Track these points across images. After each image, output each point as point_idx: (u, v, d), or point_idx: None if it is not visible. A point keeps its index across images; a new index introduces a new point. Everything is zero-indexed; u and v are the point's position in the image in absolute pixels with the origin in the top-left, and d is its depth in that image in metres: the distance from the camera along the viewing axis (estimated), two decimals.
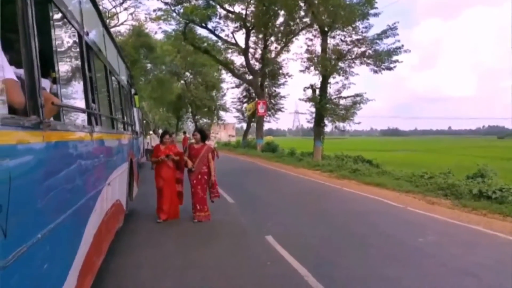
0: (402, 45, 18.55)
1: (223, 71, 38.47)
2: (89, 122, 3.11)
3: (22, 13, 1.77)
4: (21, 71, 1.90)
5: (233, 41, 27.54)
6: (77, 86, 3.08)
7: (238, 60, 32.14)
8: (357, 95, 19.71)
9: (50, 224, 1.97)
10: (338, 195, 10.32)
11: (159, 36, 33.79)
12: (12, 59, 1.91)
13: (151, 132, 20.51)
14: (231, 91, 67.27)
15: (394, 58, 18.73)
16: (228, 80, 47.08)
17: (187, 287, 3.89)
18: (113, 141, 4.56)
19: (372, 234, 6.11)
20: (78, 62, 3.05)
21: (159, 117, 59.42)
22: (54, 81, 2.31)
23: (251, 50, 28.44)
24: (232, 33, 27.07)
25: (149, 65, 36.09)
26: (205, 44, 28.02)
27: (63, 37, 2.72)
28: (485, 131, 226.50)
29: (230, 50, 29.55)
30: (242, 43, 27.01)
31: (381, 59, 18.79)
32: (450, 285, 4.03)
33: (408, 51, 19.06)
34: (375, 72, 19.59)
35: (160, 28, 36.76)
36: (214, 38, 27.63)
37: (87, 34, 3.29)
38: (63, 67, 2.70)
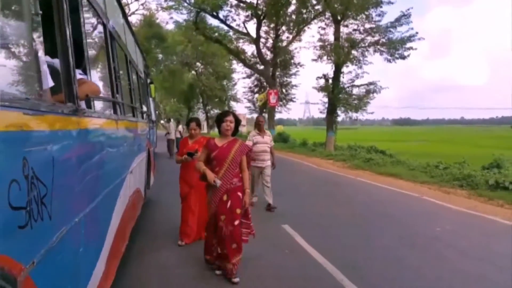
0: (416, 33, 18.30)
1: (234, 61, 38.32)
2: (115, 111, 3.16)
3: (57, 3, 1.80)
4: (56, 61, 1.94)
5: (244, 30, 27.38)
6: (103, 76, 3.13)
7: (249, 49, 31.93)
8: (371, 83, 19.53)
9: (85, 209, 2.04)
10: (352, 185, 10.32)
11: (170, 26, 33.71)
12: (47, 49, 1.95)
13: (162, 121, 20.41)
14: (242, 81, 67.15)
15: (408, 45, 18.48)
16: (239, 70, 46.98)
17: (207, 277, 3.95)
18: (134, 130, 4.63)
19: (389, 223, 6.12)
20: (103, 52, 3.10)
21: (170, 107, 59.65)
22: (84, 70, 2.35)
23: (262, 40, 28.19)
24: (244, 22, 26.86)
25: (160, 55, 36.19)
26: (216, 34, 27.89)
27: (90, 27, 2.76)
28: (498, 121, 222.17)
29: (241, 40, 29.37)
30: (253, 33, 26.85)
31: (395, 47, 18.55)
32: (470, 273, 4.03)
33: (422, 39, 18.79)
34: (389, 61, 19.39)
35: (171, 18, 36.79)
36: (225, 28, 27.50)
37: (110, 23, 3.33)
38: (91, 57, 2.74)
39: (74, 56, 1.94)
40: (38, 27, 1.52)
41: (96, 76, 3.07)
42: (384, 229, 5.70)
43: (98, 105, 2.74)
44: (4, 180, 1.09)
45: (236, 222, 3.69)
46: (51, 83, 1.68)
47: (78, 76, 2.10)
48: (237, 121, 3.77)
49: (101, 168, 2.43)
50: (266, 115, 28.99)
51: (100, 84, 3.10)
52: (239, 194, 3.73)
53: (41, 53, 1.59)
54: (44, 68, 1.59)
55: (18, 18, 1.45)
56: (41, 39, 1.55)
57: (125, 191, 3.69)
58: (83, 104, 2.20)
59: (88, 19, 2.66)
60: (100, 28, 3.01)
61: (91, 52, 2.83)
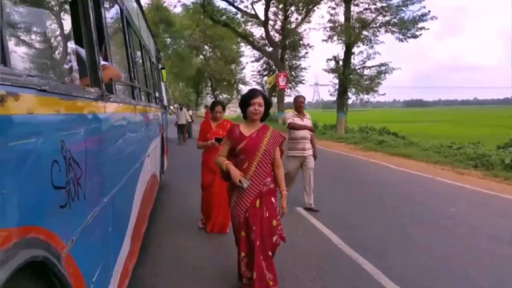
0: (429, 11, 17.89)
1: (242, 44, 38.02)
2: (133, 96, 3.21)
3: None
4: (80, 48, 1.98)
5: (253, 12, 27.05)
6: (121, 61, 3.17)
7: (258, 32, 31.63)
8: (382, 64, 19.28)
9: (112, 190, 2.11)
10: (365, 166, 10.32)
11: (178, 10, 33.50)
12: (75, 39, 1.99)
13: (171, 107, 20.24)
14: (250, 65, 66.61)
15: (420, 25, 18.14)
16: (247, 53, 46.57)
17: (222, 259, 4.06)
18: (150, 114, 4.69)
19: (403, 203, 6.15)
20: (120, 37, 3.13)
21: (179, 92, 59.73)
22: (104, 56, 2.39)
23: (271, 22, 27.88)
24: (252, 4, 26.53)
25: (168, 40, 36.07)
26: (224, 16, 27.62)
27: (108, 12, 2.78)
28: None
29: (249, 23, 29.05)
30: (261, 15, 26.51)
31: (407, 27, 18.22)
32: (485, 251, 4.06)
33: (435, 18, 18.37)
34: (401, 40, 19.09)
35: (179, 1, 36.40)
36: (233, 10, 27.19)
37: (126, 8, 3.35)
38: (110, 43, 2.78)
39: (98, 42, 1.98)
40: (66, 16, 1.56)
41: (114, 62, 3.12)
42: (398, 210, 5.73)
43: (118, 90, 2.79)
44: (47, 161, 1.15)
45: (274, 239, 2.95)
46: (77, 68, 1.73)
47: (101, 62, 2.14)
48: (267, 104, 2.96)
49: (123, 152, 2.50)
50: (275, 99, 28.90)
51: (118, 69, 3.14)
52: (273, 200, 2.95)
53: (69, 40, 1.63)
54: (73, 55, 1.63)
55: (48, 8, 1.49)
56: (70, 26, 1.58)
57: (144, 175, 3.78)
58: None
59: (107, 4, 2.69)
60: (117, 13, 3.04)
61: (110, 38, 2.87)
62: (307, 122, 5.60)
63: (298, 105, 5.66)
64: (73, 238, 1.38)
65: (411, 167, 9.62)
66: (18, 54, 1.29)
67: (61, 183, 1.26)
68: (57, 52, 1.57)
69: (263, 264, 2.86)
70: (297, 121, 5.51)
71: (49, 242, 1.13)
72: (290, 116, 5.58)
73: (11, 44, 1.07)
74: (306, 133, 5.54)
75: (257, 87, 39.48)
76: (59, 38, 1.57)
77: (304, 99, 5.78)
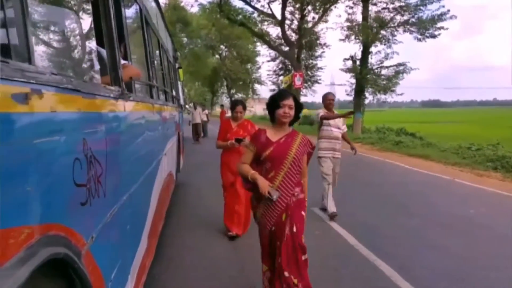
0: (448, 10, 17.55)
1: (258, 44, 38.02)
2: (151, 95, 3.24)
3: None
4: (103, 49, 2.00)
5: (269, 12, 27.01)
6: (140, 60, 3.19)
7: (274, 31, 31.60)
8: (400, 64, 19.03)
9: (130, 189, 2.12)
10: (382, 167, 10.18)
11: (194, 9, 33.77)
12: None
13: (187, 106, 20.31)
14: (266, 64, 66.59)
15: (439, 25, 17.83)
16: (263, 53, 46.58)
17: (238, 258, 4.05)
18: (167, 113, 4.73)
19: (420, 204, 6.04)
20: (140, 36, 3.15)
21: (195, 91, 60.13)
22: (125, 56, 2.41)
23: (287, 21, 27.76)
24: (268, 3, 26.51)
25: (185, 39, 36.37)
26: (241, 16, 27.67)
27: (128, 12, 2.81)
28: None
29: (266, 23, 29.03)
30: (278, 14, 26.45)
31: (425, 26, 17.94)
32: (505, 254, 3.94)
33: (454, 17, 18.03)
34: (419, 40, 18.81)
35: (196, 1, 36.67)
36: (250, 9, 27.22)
37: (145, 7, 3.37)
38: (130, 42, 2.81)
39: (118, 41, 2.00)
40: (88, 15, 1.58)
41: (133, 61, 3.15)
42: (415, 211, 5.63)
43: (137, 89, 2.82)
44: (69, 158, 1.16)
45: (304, 258, 2.62)
46: (98, 67, 1.74)
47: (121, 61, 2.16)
48: (298, 106, 2.68)
49: (142, 150, 2.53)
50: None
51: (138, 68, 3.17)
52: (303, 213, 2.68)
53: (90, 39, 1.64)
54: (94, 53, 1.65)
55: (71, 8, 1.51)
56: (91, 25, 1.60)
57: (161, 173, 3.81)
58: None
59: (127, 4, 2.71)
60: (136, 12, 3.06)
61: (129, 37, 2.90)
62: (339, 121, 5.31)
63: (328, 102, 5.32)
64: (93, 235, 1.39)
65: (429, 168, 9.45)
66: (42, 52, 1.30)
67: (82, 180, 1.27)
68: (78, 50, 1.59)
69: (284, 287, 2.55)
70: (329, 121, 5.21)
71: (70, 239, 1.14)
72: (321, 112, 5.32)
73: (35, 43, 1.09)
74: (338, 134, 5.30)
75: (273, 86, 39.46)
76: (80, 37, 1.59)
77: (334, 96, 5.44)
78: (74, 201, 1.22)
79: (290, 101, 2.59)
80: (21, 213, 0.87)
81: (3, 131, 0.80)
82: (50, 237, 1.01)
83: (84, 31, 1.60)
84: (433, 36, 18.45)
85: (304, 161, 2.74)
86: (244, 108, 4.54)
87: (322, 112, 5.29)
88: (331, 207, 5.20)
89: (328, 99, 5.35)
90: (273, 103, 2.65)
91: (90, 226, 1.38)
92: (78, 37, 1.61)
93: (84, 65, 1.59)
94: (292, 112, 2.61)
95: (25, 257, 0.86)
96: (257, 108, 47.35)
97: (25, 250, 0.86)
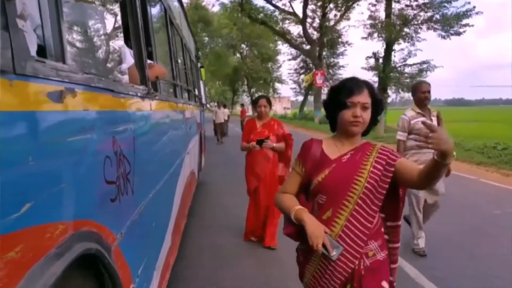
0: (474, 7, 17.06)
1: (279, 42, 37.99)
2: (175, 94, 3.27)
3: None
4: (130, 49, 2.03)
5: (291, 10, 26.92)
6: (164, 59, 3.24)
7: (295, 30, 31.44)
8: (424, 62, 18.62)
9: (156, 186, 2.15)
10: None
11: (216, 8, 34.02)
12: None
13: (208, 105, 20.25)
14: (287, 63, 66.29)
15: (464, 21, 17.33)
16: (284, 51, 46.45)
17: (258, 255, 4.04)
18: (190, 112, 4.78)
19: (444, 205, 5.83)
20: (164, 36, 3.19)
21: (215, 91, 60.54)
22: (150, 55, 2.44)
23: (309, 19, 27.61)
24: (290, 1, 26.43)
25: (206, 39, 36.68)
26: (262, 15, 27.70)
27: (154, 12, 2.85)
28: None
29: (287, 21, 28.95)
30: (299, 12, 26.34)
31: (449, 24, 17.47)
32: None
33: (480, 13, 17.51)
34: (443, 37, 18.33)
35: (217, 0, 36.91)
36: (271, 8, 27.21)
37: (169, 7, 3.41)
38: (155, 42, 2.85)
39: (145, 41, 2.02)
40: (116, 17, 1.60)
41: (159, 60, 3.19)
42: (440, 211, 5.47)
43: (162, 88, 2.86)
44: (101, 156, 1.19)
45: None
46: (126, 66, 1.77)
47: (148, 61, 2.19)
48: (378, 105, 1.58)
49: (166, 149, 2.56)
50: (311, 97, 28.57)
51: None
52: (385, 285, 1.56)
53: (118, 39, 1.67)
54: (121, 53, 1.67)
55: (101, 9, 1.53)
56: (119, 25, 1.62)
57: (184, 171, 3.85)
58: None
59: (152, 4, 2.75)
60: (161, 12, 3.10)
61: (155, 37, 2.94)
62: (436, 123, 3.60)
63: (423, 96, 3.65)
64: (122, 232, 1.41)
65: (453, 168, 9.14)
66: (74, 52, 1.33)
67: (112, 178, 1.29)
68: (107, 50, 1.62)
69: None
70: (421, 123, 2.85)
71: (101, 235, 1.16)
72: (406, 120, 3.69)
73: (67, 42, 1.11)
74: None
75: (294, 85, 39.24)
76: (109, 37, 1.62)
77: (430, 86, 3.72)
78: (105, 198, 1.24)
79: (364, 97, 1.51)
80: (56, 210, 0.89)
81: (41, 129, 0.82)
82: (82, 232, 1.03)
83: (112, 31, 1.63)
84: (458, 34, 17.98)
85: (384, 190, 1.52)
86: (269, 102, 3.92)
87: (412, 113, 3.71)
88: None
89: (421, 91, 3.65)
90: (336, 100, 1.55)
91: (119, 222, 1.40)
92: (106, 37, 1.65)
93: (112, 64, 1.62)
94: (368, 115, 1.54)
95: (60, 252, 0.88)
96: (278, 107, 47.32)
97: (59, 246, 0.89)
